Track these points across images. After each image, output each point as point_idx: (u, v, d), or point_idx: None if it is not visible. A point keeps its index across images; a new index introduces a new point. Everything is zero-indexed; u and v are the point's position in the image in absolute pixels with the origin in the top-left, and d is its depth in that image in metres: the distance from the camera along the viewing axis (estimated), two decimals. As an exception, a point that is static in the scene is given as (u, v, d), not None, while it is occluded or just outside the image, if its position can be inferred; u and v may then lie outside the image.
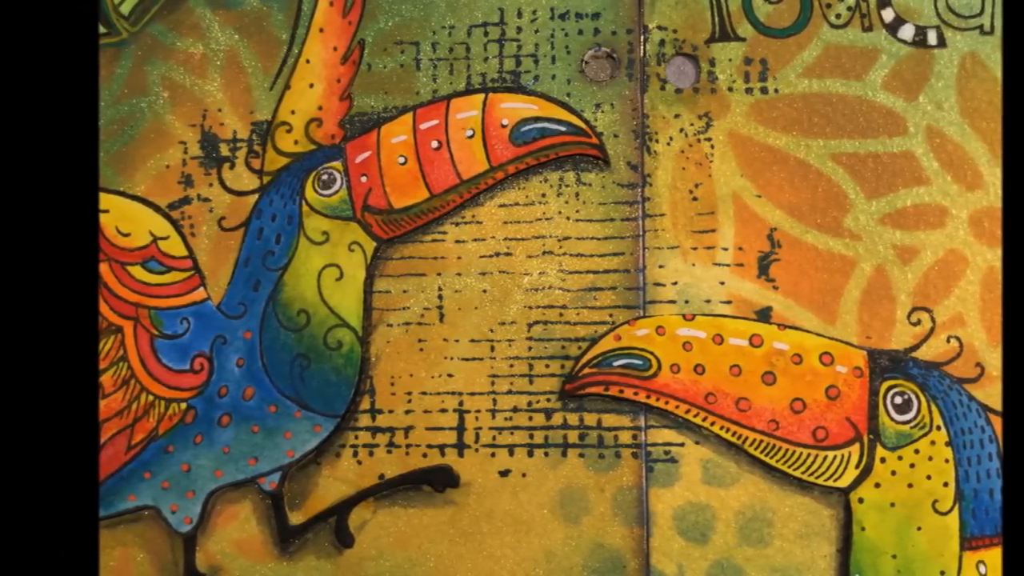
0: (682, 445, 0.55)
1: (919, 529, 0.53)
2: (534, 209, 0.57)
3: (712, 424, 0.54)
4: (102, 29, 0.59)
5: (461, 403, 0.56)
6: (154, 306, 0.57)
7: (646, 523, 0.55)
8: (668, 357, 0.55)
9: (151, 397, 0.56)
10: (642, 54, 0.57)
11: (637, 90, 0.57)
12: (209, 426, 0.56)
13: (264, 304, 0.57)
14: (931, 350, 0.54)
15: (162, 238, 0.58)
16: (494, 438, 0.56)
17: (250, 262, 0.57)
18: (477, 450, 0.56)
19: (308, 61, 0.58)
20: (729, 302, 0.55)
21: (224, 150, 0.58)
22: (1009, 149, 0.53)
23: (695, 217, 0.56)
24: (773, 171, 0.56)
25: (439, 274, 0.57)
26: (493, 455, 0.56)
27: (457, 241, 0.57)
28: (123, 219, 0.58)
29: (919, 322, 0.55)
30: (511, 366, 0.56)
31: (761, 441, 0.54)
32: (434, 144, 0.56)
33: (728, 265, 0.56)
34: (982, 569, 0.53)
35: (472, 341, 0.57)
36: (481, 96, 0.57)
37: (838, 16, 0.56)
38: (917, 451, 0.53)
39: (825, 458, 0.54)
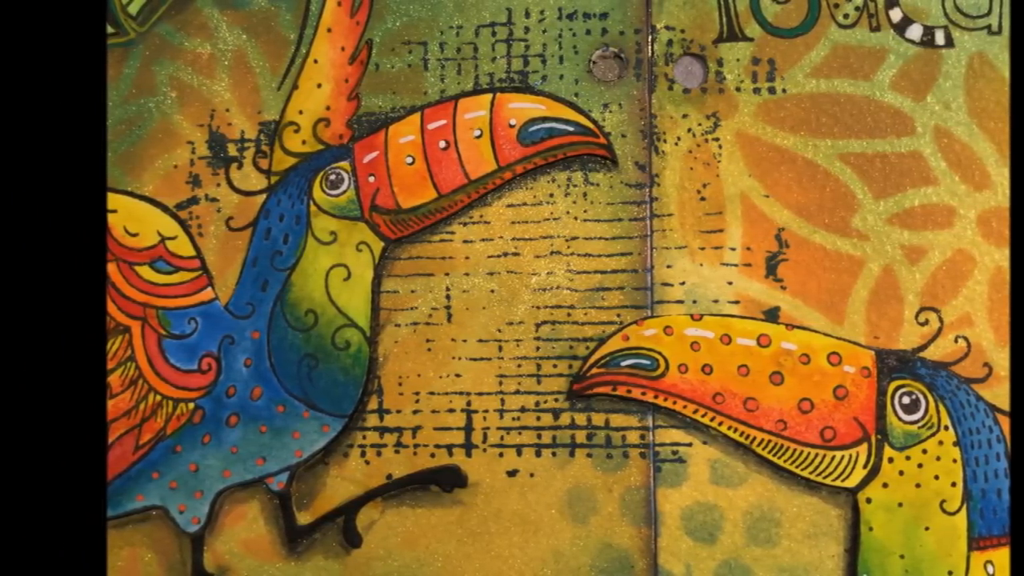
0: (690, 445, 0.55)
1: (927, 529, 0.53)
2: (542, 209, 0.57)
3: (720, 424, 0.54)
4: (110, 29, 0.59)
5: (469, 403, 0.56)
6: (162, 306, 0.57)
7: (654, 523, 0.55)
8: (676, 357, 0.55)
9: (159, 397, 0.56)
10: (650, 54, 0.57)
11: (645, 90, 0.57)
12: (217, 426, 0.56)
13: (272, 304, 0.57)
14: (939, 350, 0.54)
15: (170, 238, 0.58)
16: (502, 438, 0.56)
17: (258, 262, 0.57)
18: (485, 450, 0.56)
19: (316, 61, 0.58)
20: (737, 302, 0.55)
21: (232, 150, 0.58)
22: (1017, 149, 0.53)
23: (703, 217, 0.56)
24: (781, 171, 0.56)
25: (447, 274, 0.57)
26: (501, 455, 0.56)
27: (465, 241, 0.57)
28: (131, 219, 0.58)
29: (927, 322, 0.55)
30: (519, 366, 0.56)
31: (769, 441, 0.54)
32: (442, 144, 0.56)
33: (736, 265, 0.56)
34: (990, 569, 0.53)
35: (480, 341, 0.57)
36: (489, 96, 0.57)
37: (846, 16, 0.56)
38: (925, 451, 0.53)
39: (833, 458, 0.54)
